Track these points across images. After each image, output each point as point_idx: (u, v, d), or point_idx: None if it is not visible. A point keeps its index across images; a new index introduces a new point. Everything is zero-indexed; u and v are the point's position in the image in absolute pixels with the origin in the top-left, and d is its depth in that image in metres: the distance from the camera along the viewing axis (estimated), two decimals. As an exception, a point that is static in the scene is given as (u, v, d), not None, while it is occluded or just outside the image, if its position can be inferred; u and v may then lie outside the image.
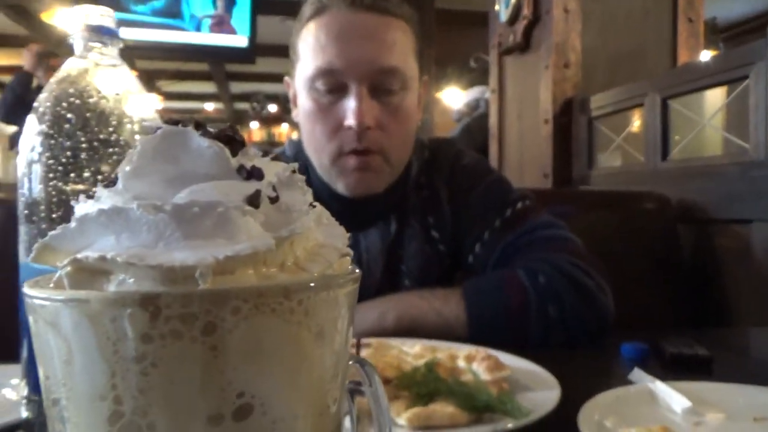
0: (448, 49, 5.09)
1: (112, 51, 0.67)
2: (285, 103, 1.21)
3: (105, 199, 0.24)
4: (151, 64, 7.64)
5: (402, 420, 0.64)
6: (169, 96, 10.73)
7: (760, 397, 0.80)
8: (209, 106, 13.13)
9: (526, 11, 2.68)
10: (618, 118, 2.35)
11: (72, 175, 0.61)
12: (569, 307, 1.03)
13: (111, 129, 0.61)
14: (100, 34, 0.66)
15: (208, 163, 0.24)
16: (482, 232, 1.14)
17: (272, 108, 12.25)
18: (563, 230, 1.16)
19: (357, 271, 0.26)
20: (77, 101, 0.62)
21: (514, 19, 2.78)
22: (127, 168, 0.25)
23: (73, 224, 0.24)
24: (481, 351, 0.86)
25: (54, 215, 0.58)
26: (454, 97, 5.60)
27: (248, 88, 11.30)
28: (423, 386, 0.70)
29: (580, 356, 1.12)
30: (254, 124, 13.71)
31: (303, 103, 1.10)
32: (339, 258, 0.26)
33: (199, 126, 0.25)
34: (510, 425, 0.65)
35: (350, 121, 1.02)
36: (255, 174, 0.25)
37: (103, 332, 0.21)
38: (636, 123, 2.25)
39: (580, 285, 1.04)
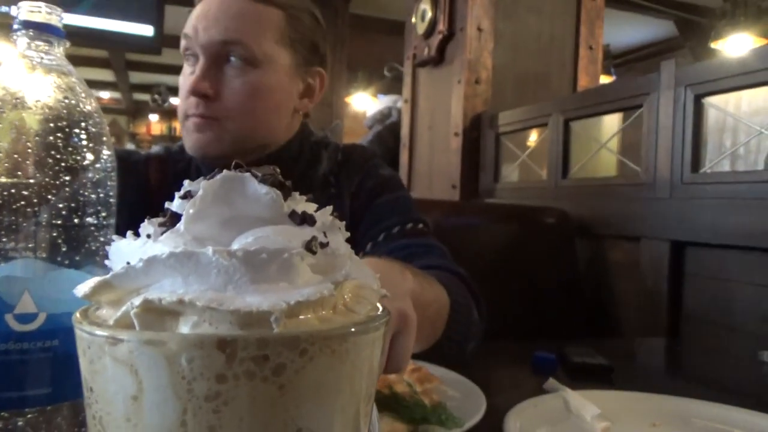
0: (360, 54, 5.14)
1: (58, 51, 0.64)
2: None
3: (166, 239, 0.25)
4: (42, 45, 7.11)
5: None
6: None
7: (657, 404, 0.89)
8: (105, 95, 12.43)
9: (442, 26, 2.77)
10: (523, 135, 2.48)
11: (4, 177, 0.58)
12: (483, 315, 1.09)
13: (53, 132, 0.59)
14: (45, 32, 0.63)
15: (263, 208, 0.26)
16: (378, 233, 1.18)
17: (174, 101, 11.77)
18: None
19: (388, 311, 0.28)
20: (17, 102, 0.59)
21: (429, 32, 2.87)
22: (191, 211, 0.25)
23: (139, 264, 0.24)
24: (410, 363, 0.89)
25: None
26: (364, 103, 5.65)
27: (150, 79, 10.80)
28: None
29: (497, 365, 1.19)
30: (154, 117, 13.13)
31: None
32: (378, 299, 0.28)
33: (246, 170, 0.26)
34: (444, 436, 0.69)
35: (189, 87, 1.09)
36: (308, 220, 0.26)
37: (178, 371, 0.22)
38: (537, 141, 2.39)
39: (480, 297, 1.10)
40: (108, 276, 0.24)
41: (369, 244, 1.18)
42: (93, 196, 0.62)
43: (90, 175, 0.64)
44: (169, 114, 12.72)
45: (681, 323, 1.66)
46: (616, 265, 1.92)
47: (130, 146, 13.17)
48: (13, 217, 0.57)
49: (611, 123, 2.17)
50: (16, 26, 0.62)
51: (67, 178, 0.60)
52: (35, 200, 0.59)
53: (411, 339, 0.65)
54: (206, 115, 1.10)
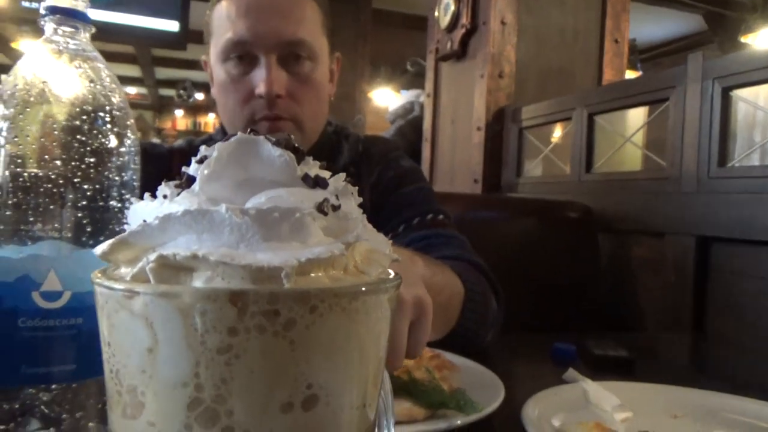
0: (383, 49, 5.14)
1: (84, 37, 0.66)
2: (212, 91, 1.23)
3: (181, 199, 0.26)
4: (71, 41, 7.24)
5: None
6: (87, 76, 10.18)
7: (678, 396, 0.88)
8: (131, 90, 12.60)
9: (465, 20, 2.75)
10: (546, 129, 2.46)
11: (31, 160, 0.60)
12: (501, 304, 1.09)
13: (78, 117, 0.61)
14: (71, 18, 0.65)
15: (277, 170, 0.26)
16: (399, 224, 1.18)
17: (199, 96, 11.89)
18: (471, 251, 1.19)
19: (399, 276, 0.29)
20: (43, 86, 0.60)
21: (452, 26, 2.86)
22: (206, 171, 0.26)
23: (155, 222, 0.25)
24: (428, 350, 0.89)
25: (11, 201, 0.57)
26: (386, 98, 5.65)
27: (175, 74, 10.92)
28: (379, 382, 0.72)
29: (516, 357, 1.18)
30: (179, 112, 13.29)
31: (217, 77, 1.15)
32: (389, 263, 0.29)
33: (265, 136, 0.27)
34: (461, 421, 0.69)
35: (260, 89, 1.07)
36: (320, 183, 0.27)
37: (192, 324, 0.23)
38: (561, 135, 2.37)
39: (498, 287, 1.10)
40: (125, 234, 0.25)
41: (389, 235, 1.18)
42: (117, 179, 0.64)
43: (114, 158, 0.65)
44: (194, 109, 12.85)
45: (706, 320, 1.64)
46: (639, 260, 1.89)
47: (156, 141, 13.35)
48: (40, 200, 0.59)
49: (636, 117, 2.14)
50: (42, 11, 0.63)
51: (92, 161, 0.61)
52: (61, 183, 0.60)
53: (428, 324, 0.66)
54: (281, 116, 1.10)
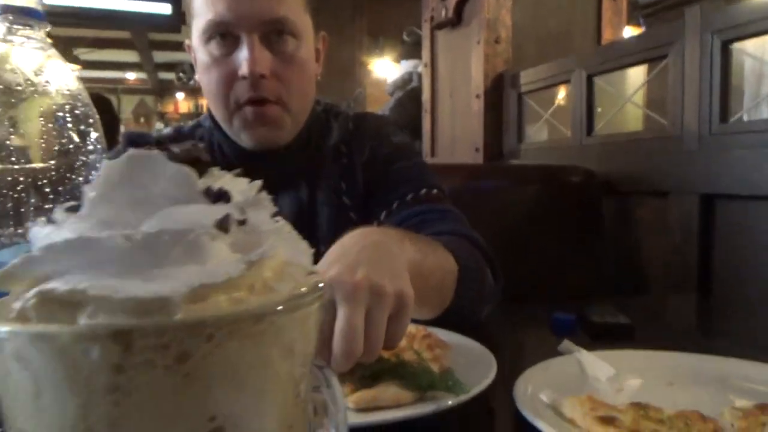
0: (380, 20, 5.06)
1: (39, 34, 0.64)
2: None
3: (69, 225, 0.24)
4: (68, 31, 7.21)
5: (349, 403, 0.66)
6: (88, 65, 10.16)
7: (675, 363, 0.86)
8: (131, 76, 12.54)
9: (458, -14, 2.69)
10: (546, 93, 2.41)
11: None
12: (498, 277, 1.07)
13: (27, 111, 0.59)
14: (26, 16, 0.63)
15: (174, 186, 0.24)
16: (393, 201, 1.16)
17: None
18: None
19: (321, 285, 0.27)
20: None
21: (446, -7, 2.80)
22: (92, 194, 0.24)
23: (37, 253, 0.23)
24: (421, 329, 0.88)
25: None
26: (386, 69, 5.58)
27: (174, 57, 10.84)
28: (367, 368, 0.71)
29: (515, 329, 1.17)
30: (180, 95, 13.23)
31: (200, 60, 1.12)
32: (306, 276, 0.27)
33: (161, 146, 0.25)
34: (451, 402, 0.68)
35: (243, 70, 1.04)
36: (222, 196, 0.25)
37: (73, 365, 0.21)
38: (561, 99, 2.33)
39: (495, 261, 1.08)
40: (8, 266, 0.24)
41: (384, 212, 1.17)
42: (81, 178, 0.62)
43: (80, 157, 0.64)
44: (195, 91, 12.79)
45: (712, 279, 1.61)
46: (644, 222, 1.87)
47: (159, 125, 13.33)
48: (3, 204, 0.57)
49: (636, 76, 2.09)
50: (-4, 11, 0.61)
51: (53, 162, 0.60)
52: (24, 186, 0.59)
53: (407, 317, 0.65)
54: (267, 98, 1.07)
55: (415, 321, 0.91)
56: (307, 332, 0.26)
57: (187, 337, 0.22)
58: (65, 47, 8.13)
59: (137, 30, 7.80)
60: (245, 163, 1.16)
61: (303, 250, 0.28)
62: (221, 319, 0.22)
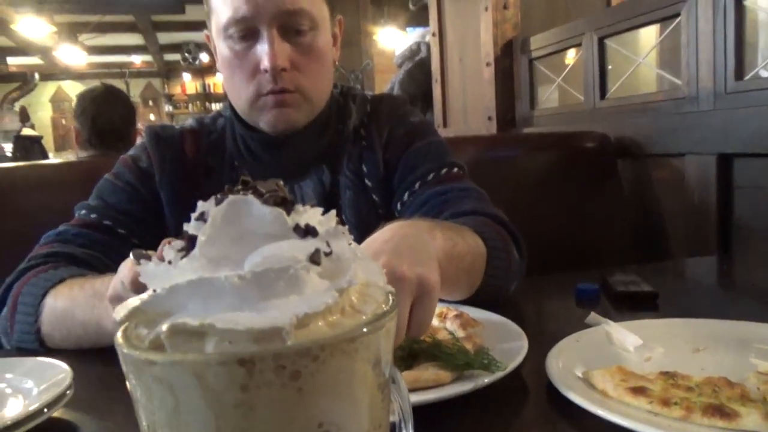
0: (384, -12, 5.01)
1: None
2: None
3: (184, 265, 0.28)
4: (71, 17, 7.19)
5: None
6: (93, 50, 10.14)
7: (699, 329, 0.88)
8: (137, 59, 12.51)
9: (464, -48, 2.66)
10: (557, 58, 2.40)
11: None
12: (522, 253, 1.10)
13: None
14: None
15: (269, 225, 0.28)
16: (414, 182, 1.19)
17: (204, 57, 11.73)
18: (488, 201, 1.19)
19: (392, 300, 0.31)
20: None
21: (451, -40, 2.77)
22: (203, 238, 0.28)
23: (163, 292, 0.27)
24: (452, 309, 0.91)
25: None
26: (392, 37, 5.54)
27: (178, 38, 10.78)
28: (404, 348, 0.74)
29: (541, 301, 1.20)
30: (187, 76, 13.21)
31: (221, 52, 1.15)
32: (383, 295, 0.31)
33: (250, 186, 0.28)
34: (488, 380, 0.71)
35: (265, 63, 1.07)
36: (311, 232, 0.28)
37: (207, 386, 0.25)
38: (572, 63, 2.32)
39: (519, 237, 1.10)
40: (139, 303, 0.27)
41: (406, 193, 1.20)
42: None
43: None
44: (200, 72, 12.75)
45: (732, 238, 1.63)
46: (661, 184, 1.88)
47: (167, 108, 13.31)
48: None
49: (649, 37, 2.08)
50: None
51: None
52: None
53: (432, 303, 0.67)
54: (287, 88, 1.10)
55: (443, 300, 0.94)
56: (387, 342, 0.30)
57: (298, 359, 0.26)
58: (70, 33, 8.12)
59: (140, 12, 7.76)
60: (268, 151, 1.19)
61: (376, 270, 0.31)
62: (324, 342, 0.26)
